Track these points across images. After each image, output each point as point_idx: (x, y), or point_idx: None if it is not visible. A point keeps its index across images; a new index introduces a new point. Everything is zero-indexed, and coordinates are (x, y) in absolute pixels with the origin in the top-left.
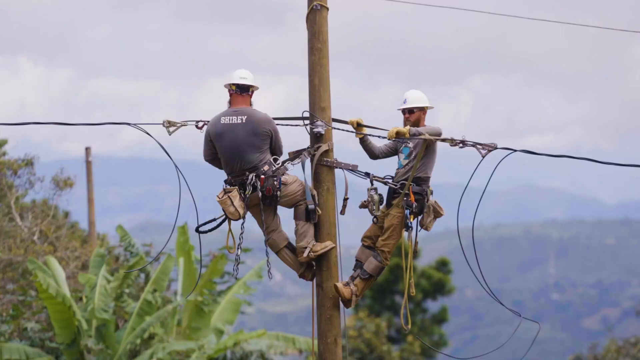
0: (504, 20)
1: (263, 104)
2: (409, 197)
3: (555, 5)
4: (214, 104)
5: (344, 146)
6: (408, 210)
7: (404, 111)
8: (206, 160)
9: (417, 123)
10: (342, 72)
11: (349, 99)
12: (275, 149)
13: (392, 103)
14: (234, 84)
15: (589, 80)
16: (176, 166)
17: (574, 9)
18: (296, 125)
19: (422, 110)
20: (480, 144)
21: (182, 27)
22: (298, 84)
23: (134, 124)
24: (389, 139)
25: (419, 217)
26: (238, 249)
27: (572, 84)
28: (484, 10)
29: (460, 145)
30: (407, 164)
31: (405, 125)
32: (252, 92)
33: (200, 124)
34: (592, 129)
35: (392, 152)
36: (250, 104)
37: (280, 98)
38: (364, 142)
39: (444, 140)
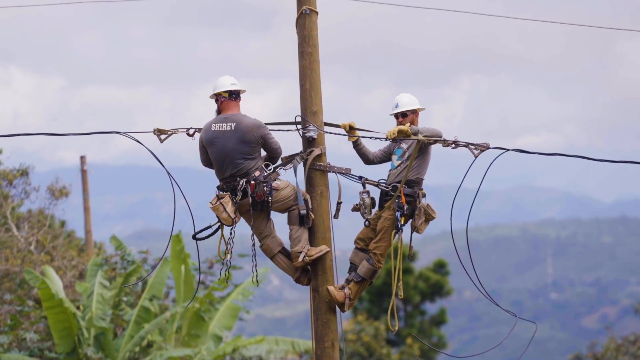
0: (490, 20)
1: (256, 109)
2: (400, 199)
3: (544, 2)
4: (207, 110)
5: (337, 150)
6: (399, 212)
7: (396, 115)
8: (204, 165)
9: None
10: (331, 75)
11: (340, 103)
12: (270, 152)
13: (384, 106)
14: (226, 92)
15: (578, 77)
16: (169, 173)
17: (559, 6)
18: (288, 130)
19: (415, 112)
20: (472, 144)
21: (171, 34)
22: (289, 89)
23: (125, 133)
24: (389, 139)
25: (411, 220)
26: (228, 253)
27: (561, 81)
28: (470, 10)
29: (453, 146)
30: (399, 165)
31: None
32: (240, 98)
33: (191, 131)
34: (584, 127)
35: (386, 157)
36: (239, 109)
37: (272, 103)
38: (357, 146)
39: (436, 141)
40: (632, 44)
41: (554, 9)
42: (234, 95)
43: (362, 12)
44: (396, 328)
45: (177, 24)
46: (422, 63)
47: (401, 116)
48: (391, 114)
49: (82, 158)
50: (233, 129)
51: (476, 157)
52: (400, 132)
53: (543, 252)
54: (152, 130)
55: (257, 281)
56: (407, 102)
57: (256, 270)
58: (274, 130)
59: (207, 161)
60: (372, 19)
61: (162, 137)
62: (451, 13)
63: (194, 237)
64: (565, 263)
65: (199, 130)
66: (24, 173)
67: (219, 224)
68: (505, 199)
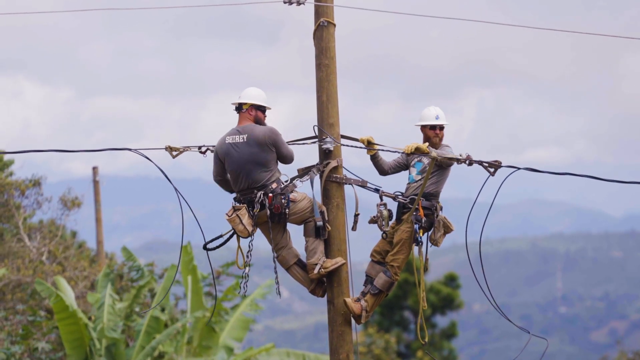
0: (495, 34)
1: (266, 121)
2: (419, 212)
3: (549, 16)
4: (216, 122)
5: (348, 162)
6: (417, 225)
7: (434, 127)
8: (215, 180)
9: (441, 139)
10: (339, 88)
11: (348, 115)
12: (282, 158)
13: (391, 119)
14: (233, 103)
15: (588, 91)
16: (177, 190)
17: (564, 19)
18: (304, 144)
19: (439, 127)
20: (485, 162)
21: (179, 45)
22: (299, 101)
23: (135, 150)
24: (407, 154)
25: (429, 232)
26: (246, 266)
27: (570, 95)
28: (478, 20)
29: (467, 162)
30: (419, 180)
31: (426, 140)
32: (250, 109)
33: (203, 149)
34: (594, 142)
35: (400, 167)
36: (256, 121)
37: (281, 115)
38: (375, 159)
39: (450, 159)
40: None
41: (558, 22)
42: (236, 108)
43: (367, 25)
44: (426, 340)
45: (184, 35)
46: (428, 77)
47: (439, 129)
48: (427, 124)
49: (95, 169)
50: (246, 140)
51: (492, 174)
52: (417, 149)
53: (552, 266)
54: (164, 148)
55: (279, 292)
56: (444, 116)
57: (277, 282)
58: (291, 144)
59: (220, 175)
60: (377, 31)
61: (174, 153)
62: (456, 28)
63: (204, 247)
64: (575, 277)
65: (211, 148)
66: (36, 184)
67: (229, 234)
68: (514, 213)
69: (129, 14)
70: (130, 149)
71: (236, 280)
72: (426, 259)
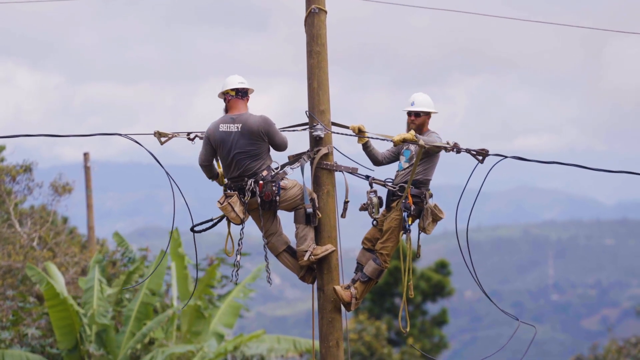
0: (486, 22)
1: (258, 108)
2: (407, 200)
3: (537, 5)
4: (207, 107)
5: (339, 149)
6: (406, 213)
7: (409, 113)
8: (200, 164)
9: (421, 127)
10: (330, 75)
11: (339, 102)
12: (275, 147)
13: (383, 106)
14: (233, 90)
15: (580, 79)
16: (169, 175)
17: (555, 9)
18: (294, 131)
19: (428, 115)
20: (472, 150)
21: (169, 32)
22: (288, 88)
23: (125, 135)
24: (395, 145)
25: (418, 220)
26: (237, 254)
27: (563, 83)
28: (468, 11)
29: (455, 151)
30: (407, 167)
31: (408, 127)
32: (248, 96)
33: (192, 135)
34: (585, 129)
35: (395, 157)
36: (247, 108)
37: (271, 102)
38: (367, 148)
39: (438, 147)
40: (635, 46)
41: (546, 11)
42: (241, 93)
43: (358, 13)
44: (407, 329)
45: (174, 22)
46: (418, 65)
47: (414, 115)
48: (405, 110)
49: (86, 155)
50: (240, 130)
51: (481, 162)
52: (405, 140)
53: (544, 254)
54: (153, 133)
55: (269, 280)
56: (423, 102)
57: (268, 270)
58: (282, 130)
59: (207, 160)
60: (368, 19)
61: (163, 139)
62: (445, 17)
63: (192, 229)
64: (567, 265)
65: (200, 135)
66: (27, 169)
67: (218, 218)
68: (507, 200)
69: (119, 1)
70: (120, 134)
71: (218, 261)
72: (418, 246)
